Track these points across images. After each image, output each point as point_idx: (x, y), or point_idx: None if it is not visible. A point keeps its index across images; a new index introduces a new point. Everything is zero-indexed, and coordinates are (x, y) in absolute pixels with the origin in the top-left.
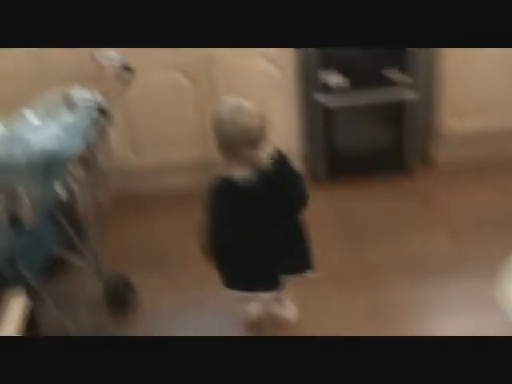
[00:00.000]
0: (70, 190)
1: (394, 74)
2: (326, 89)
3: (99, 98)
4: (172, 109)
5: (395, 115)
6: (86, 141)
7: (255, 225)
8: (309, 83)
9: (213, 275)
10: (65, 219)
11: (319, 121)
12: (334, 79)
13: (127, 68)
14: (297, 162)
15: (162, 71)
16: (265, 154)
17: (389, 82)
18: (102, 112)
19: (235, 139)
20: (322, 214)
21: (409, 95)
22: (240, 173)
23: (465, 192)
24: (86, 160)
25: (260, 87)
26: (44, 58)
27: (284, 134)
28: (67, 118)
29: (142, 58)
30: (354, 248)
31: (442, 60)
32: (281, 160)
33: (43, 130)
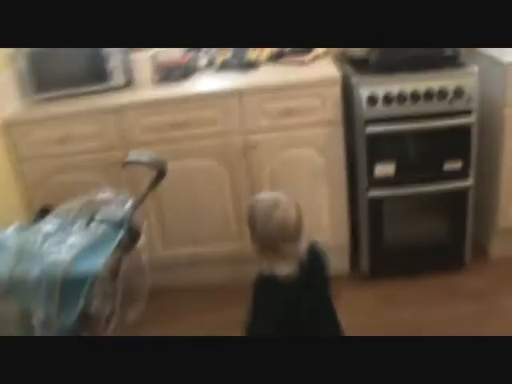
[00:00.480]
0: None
1: (453, 164)
2: (375, 179)
3: (126, 209)
4: (206, 198)
5: (452, 206)
6: (109, 258)
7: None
8: (357, 173)
9: None
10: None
11: (364, 212)
12: (384, 169)
13: (158, 167)
14: (341, 257)
15: (196, 159)
16: (303, 247)
17: (446, 173)
18: (129, 229)
19: (272, 236)
20: (363, 315)
21: (467, 184)
22: (281, 268)
23: None
24: (109, 278)
25: (305, 177)
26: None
27: (331, 227)
28: (89, 232)
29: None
30: None
31: (504, 152)
32: (315, 253)
33: (62, 244)
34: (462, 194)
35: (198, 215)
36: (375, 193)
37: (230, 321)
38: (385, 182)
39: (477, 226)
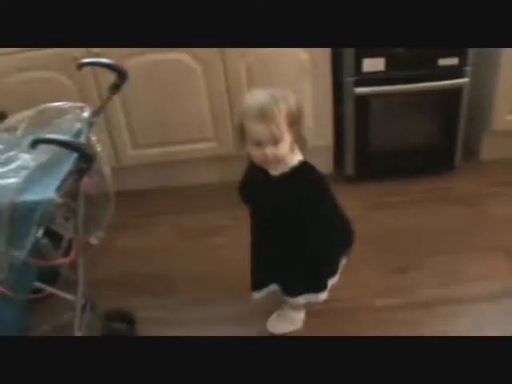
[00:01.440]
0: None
1: (448, 60)
2: (362, 75)
3: (84, 118)
4: (178, 97)
5: (444, 106)
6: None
7: (261, 221)
8: (344, 69)
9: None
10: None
11: (350, 110)
12: (373, 64)
13: (117, 70)
14: (325, 158)
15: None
16: (291, 160)
17: (440, 69)
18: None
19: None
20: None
21: (462, 82)
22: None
23: None
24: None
25: (287, 73)
26: None
27: (315, 126)
28: (39, 150)
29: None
30: (390, 271)
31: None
32: (304, 176)
33: (8, 165)
34: (455, 93)
35: (171, 115)
36: (362, 89)
37: (207, 226)
38: (373, 78)
39: (468, 127)
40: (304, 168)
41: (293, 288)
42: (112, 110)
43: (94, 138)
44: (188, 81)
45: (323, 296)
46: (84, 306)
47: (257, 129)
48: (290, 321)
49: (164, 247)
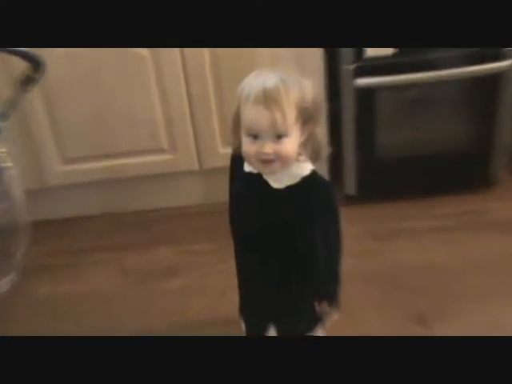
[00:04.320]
0: None
1: None
2: (365, 61)
3: None
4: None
5: (477, 100)
6: None
7: (251, 231)
8: (341, 54)
9: None
10: None
11: (350, 108)
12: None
13: (31, 57)
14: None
15: None
16: (300, 168)
17: (472, 51)
18: None
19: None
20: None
21: (503, 66)
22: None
23: None
24: None
25: (264, 60)
26: None
27: None
28: None
29: None
30: (405, 322)
31: None
32: (318, 190)
33: None
34: (493, 81)
35: (111, 120)
36: (365, 81)
37: (162, 265)
38: (380, 65)
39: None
40: (318, 180)
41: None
42: (32, 114)
43: (1, 151)
44: (134, 73)
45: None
46: None
47: (255, 114)
48: None
49: (103, 295)
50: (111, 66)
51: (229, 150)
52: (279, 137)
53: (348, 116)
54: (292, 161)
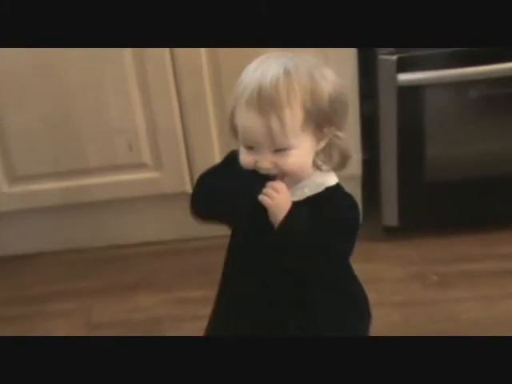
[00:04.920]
0: None
1: None
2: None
3: None
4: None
5: None
6: None
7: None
8: None
9: None
10: None
11: (390, 112)
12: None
13: None
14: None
15: None
16: (322, 178)
17: None
18: None
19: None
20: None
21: None
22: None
23: None
24: None
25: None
26: None
27: None
28: None
29: None
30: None
31: None
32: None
33: None
34: None
35: (78, 126)
36: (411, 76)
37: (131, 318)
38: (431, 56)
39: None
40: (343, 194)
41: None
42: None
43: None
44: (107, 66)
45: None
46: None
47: (248, 122)
48: None
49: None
50: (76, 56)
51: None
52: (280, 148)
53: (387, 123)
54: (304, 174)
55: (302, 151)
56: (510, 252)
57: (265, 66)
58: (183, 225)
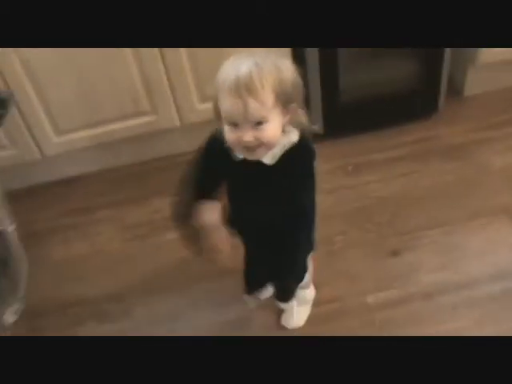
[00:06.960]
0: None
1: None
2: None
3: None
4: (98, 66)
5: None
6: None
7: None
8: None
9: None
10: None
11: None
12: None
13: None
14: None
15: None
16: (288, 138)
17: None
18: None
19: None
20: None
21: None
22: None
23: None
24: None
25: None
26: None
27: None
28: None
29: None
30: (381, 256)
31: None
32: (297, 156)
33: None
34: None
35: (96, 90)
36: None
37: (153, 218)
38: None
39: (453, 62)
40: (304, 146)
41: (284, 290)
42: (23, 96)
43: None
44: (112, 50)
45: (312, 293)
46: None
47: (230, 104)
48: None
49: (111, 253)
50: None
51: (205, 106)
52: (259, 123)
53: (312, 60)
54: (276, 142)
55: (274, 124)
56: (397, 143)
57: (238, 62)
58: (176, 146)
